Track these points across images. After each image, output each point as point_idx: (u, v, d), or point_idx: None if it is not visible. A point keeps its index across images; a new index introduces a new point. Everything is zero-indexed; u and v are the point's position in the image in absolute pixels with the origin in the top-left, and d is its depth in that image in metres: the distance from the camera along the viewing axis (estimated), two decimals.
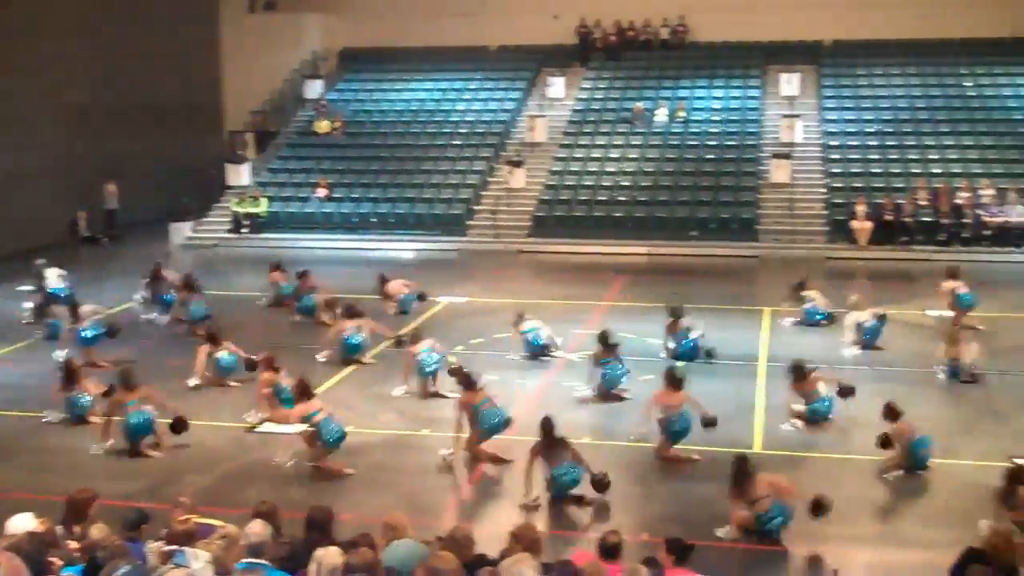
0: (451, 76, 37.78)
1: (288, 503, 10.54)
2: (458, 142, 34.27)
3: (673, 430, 13.31)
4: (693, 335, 17.74)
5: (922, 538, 11.27)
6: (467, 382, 13.62)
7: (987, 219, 27.61)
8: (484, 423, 13.24)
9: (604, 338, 16.11)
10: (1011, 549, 8.34)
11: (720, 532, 10.96)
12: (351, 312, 18.29)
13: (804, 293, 20.30)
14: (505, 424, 13.34)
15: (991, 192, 28.22)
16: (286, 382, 14.75)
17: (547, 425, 12.16)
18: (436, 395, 15.86)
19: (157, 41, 34.21)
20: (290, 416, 13.57)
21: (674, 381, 13.59)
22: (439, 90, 37.28)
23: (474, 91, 37.10)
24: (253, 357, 16.14)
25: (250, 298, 22.92)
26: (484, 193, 31.98)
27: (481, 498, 12.63)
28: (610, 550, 8.31)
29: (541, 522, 11.14)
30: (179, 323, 20.58)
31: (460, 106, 36.31)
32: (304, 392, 13.44)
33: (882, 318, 18.39)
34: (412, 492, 12.51)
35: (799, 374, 14.64)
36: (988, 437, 14.06)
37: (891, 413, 12.92)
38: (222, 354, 16.64)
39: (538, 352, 17.95)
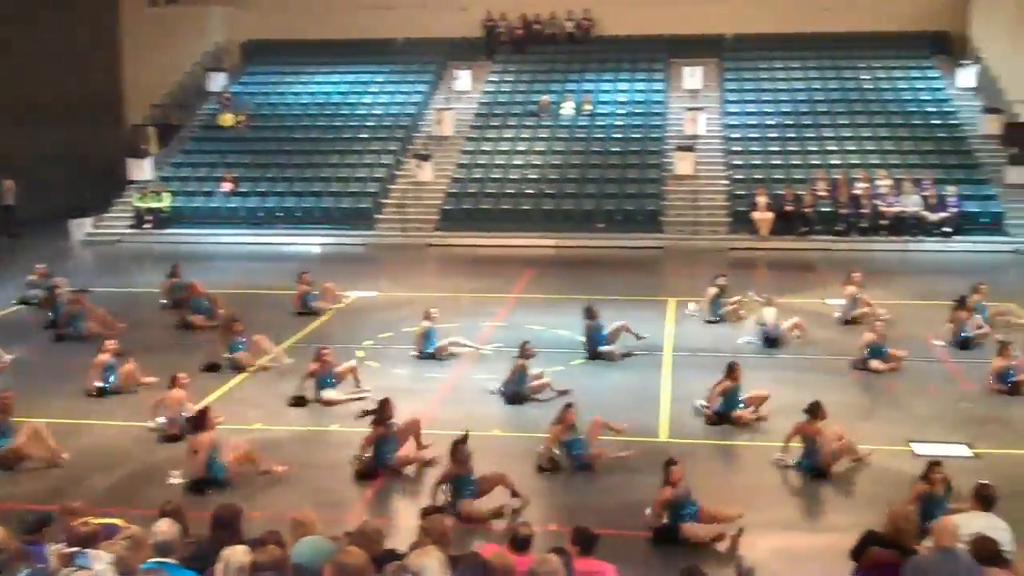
0: (357, 69, 37.54)
1: (194, 502, 10.43)
2: (365, 135, 34.08)
3: (576, 455, 12.93)
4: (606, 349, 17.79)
5: (824, 522, 11.58)
6: (379, 417, 13.14)
7: (884, 209, 28.30)
8: (381, 453, 13.01)
9: (522, 348, 16.04)
10: (908, 530, 8.61)
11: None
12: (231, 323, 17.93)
13: (710, 289, 20.43)
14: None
15: (888, 183, 28.96)
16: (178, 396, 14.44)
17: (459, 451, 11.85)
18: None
19: (55, 33, 33.35)
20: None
21: (564, 413, 13.24)
22: (345, 83, 37.02)
23: (381, 84, 36.90)
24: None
25: (151, 295, 22.47)
26: (392, 187, 31.85)
27: (392, 493, 12.59)
28: (521, 542, 8.35)
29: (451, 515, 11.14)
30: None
31: (367, 99, 36.11)
32: (197, 426, 12.84)
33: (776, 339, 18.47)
34: (321, 488, 12.42)
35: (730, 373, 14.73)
36: (887, 423, 14.45)
37: (815, 412, 12.85)
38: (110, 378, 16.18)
39: (430, 354, 17.68)
